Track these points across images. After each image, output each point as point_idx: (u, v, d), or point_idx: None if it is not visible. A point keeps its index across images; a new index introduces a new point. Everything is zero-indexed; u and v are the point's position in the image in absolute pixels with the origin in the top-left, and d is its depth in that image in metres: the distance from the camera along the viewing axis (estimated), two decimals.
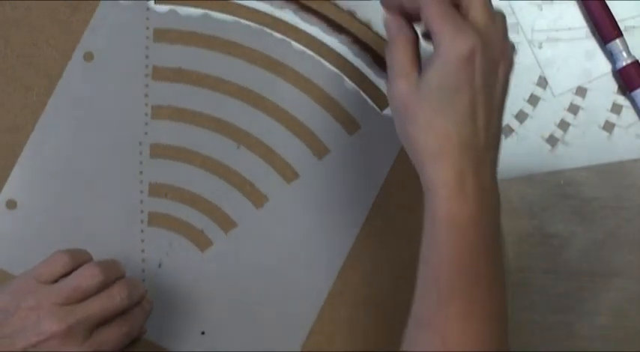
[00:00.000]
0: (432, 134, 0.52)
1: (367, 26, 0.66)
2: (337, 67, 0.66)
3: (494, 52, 0.52)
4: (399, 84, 0.53)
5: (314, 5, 0.66)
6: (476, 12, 0.53)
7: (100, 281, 0.58)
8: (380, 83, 0.66)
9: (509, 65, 0.54)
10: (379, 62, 0.66)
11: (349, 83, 0.66)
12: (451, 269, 0.51)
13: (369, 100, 0.66)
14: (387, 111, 0.66)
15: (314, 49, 0.66)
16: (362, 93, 0.66)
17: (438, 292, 0.51)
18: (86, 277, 0.58)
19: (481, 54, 0.51)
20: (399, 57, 0.53)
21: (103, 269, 0.58)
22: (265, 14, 0.66)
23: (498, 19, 0.54)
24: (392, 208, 0.66)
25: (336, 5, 0.66)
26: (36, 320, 0.56)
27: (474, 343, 0.50)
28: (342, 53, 0.66)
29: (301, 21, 0.66)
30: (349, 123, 0.66)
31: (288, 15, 0.66)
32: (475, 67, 0.51)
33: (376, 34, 0.66)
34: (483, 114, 0.52)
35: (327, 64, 0.66)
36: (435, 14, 0.52)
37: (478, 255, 0.51)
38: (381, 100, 0.66)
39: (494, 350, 0.51)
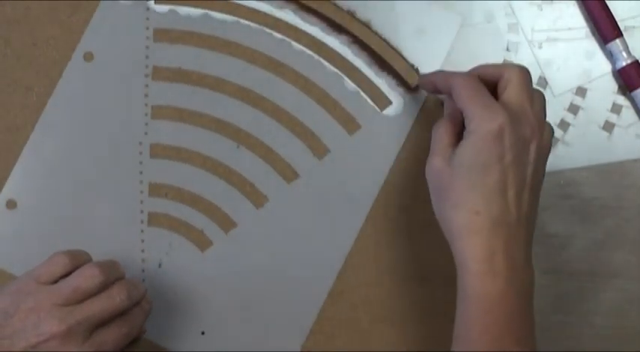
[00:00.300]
0: (463, 210, 0.53)
1: (367, 26, 0.66)
2: (337, 67, 0.66)
3: (526, 131, 0.54)
4: (435, 161, 0.55)
5: (314, 5, 0.65)
6: (512, 90, 0.55)
7: (100, 282, 0.58)
8: (380, 83, 0.66)
9: (544, 145, 0.56)
10: (379, 62, 0.66)
11: (349, 83, 0.66)
12: (481, 345, 0.52)
13: (369, 100, 0.66)
14: (387, 111, 0.66)
15: (314, 49, 0.66)
16: (362, 93, 0.66)
17: None
18: (86, 278, 0.58)
19: (511, 132, 0.53)
20: (441, 136, 0.56)
21: (102, 270, 0.58)
22: (265, 14, 0.66)
23: (536, 99, 0.56)
24: (392, 208, 0.66)
25: (336, 5, 0.66)
26: (36, 321, 0.56)
27: None
28: (342, 53, 0.66)
29: (301, 21, 0.66)
30: (349, 123, 0.66)
31: (288, 15, 0.66)
32: (504, 144, 0.53)
33: (376, 33, 0.66)
34: (514, 192, 0.53)
35: (327, 64, 0.66)
36: (465, 95, 0.54)
37: (506, 334, 0.53)
38: (381, 100, 0.66)
39: None
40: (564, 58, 0.68)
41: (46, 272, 0.58)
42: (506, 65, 0.57)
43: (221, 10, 0.65)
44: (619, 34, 0.66)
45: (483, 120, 0.53)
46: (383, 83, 0.66)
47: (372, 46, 0.66)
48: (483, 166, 0.53)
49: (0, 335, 0.56)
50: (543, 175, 0.57)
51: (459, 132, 0.57)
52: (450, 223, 0.54)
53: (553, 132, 0.58)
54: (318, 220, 0.66)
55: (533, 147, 0.55)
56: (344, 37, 0.66)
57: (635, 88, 0.66)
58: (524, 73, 0.57)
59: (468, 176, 0.53)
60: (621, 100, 0.67)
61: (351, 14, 0.66)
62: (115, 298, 0.58)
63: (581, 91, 0.67)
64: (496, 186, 0.53)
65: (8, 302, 0.57)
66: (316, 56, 0.66)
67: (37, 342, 0.55)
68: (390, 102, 0.66)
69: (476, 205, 0.53)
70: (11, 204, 0.66)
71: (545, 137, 0.56)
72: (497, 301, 0.53)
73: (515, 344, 0.53)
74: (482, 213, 0.53)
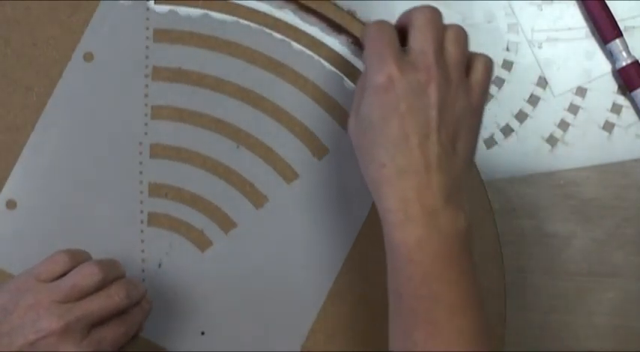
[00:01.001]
0: (372, 165, 0.53)
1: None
2: (337, 67, 0.66)
3: (421, 75, 0.53)
4: (350, 122, 0.56)
5: (314, 5, 0.66)
6: (413, 34, 0.54)
7: (99, 280, 0.58)
8: None
9: (442, 83, 0.53)
10: None
11: (349, 83, 0.66)
12: (409, 294, 0.52)
13: None
14: None
15: (314, 49, 0.66)
16: None
17: (403, 319, 0.52)
18: (85, 275, 0.58)
19: (401, 80, 0.52)
20: (355, 95, 0.56)
21: (101, 268, 0.58)
22: (265, 14, 0.66)
23: (449, 36, 0.54)
24: None
25: (336, 5, 0.66)
26: (34, 317, 0.56)
27: None
28: (342, 53, 0.66)
29: (301, 21, 0.66)
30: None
31: (288, 15, 0.66)
32: (397, 94, 0.52)
33: None
34: (417, 139, 0.52)
35: (326, 64, 0.66)
36: (367, 46, 0.55)
37: (431, 278, 0.52)
38: None
39: None
40: (564, 58, 0.68)
41: (45, 270, 0.58)
42: (414, 8, 0.55)
43: (221, 11, 0.65)
44: (619, 34, 0.67)
45: (373, 73, 0.53)
46: None
47: None
48: (381, 119, 0.53)
49: (0, 331, 0.56)
50: (471, 112, 0.54)
51: None
52: (366, 180, 0.54)
53: (490, 64, 0.56)
54: (318, 220, 0.66)
55: (432, 90, 0.52)
56: (344, 37, 0.66)
57: (635, 88, 0.66)
58: (428, 12, 0.54)
59: (370, 131, 0.53)
60: (621, 100, 0.68)
61: (351, 14, 0.66)
62: (114, 297, 0.58)
63: (581, 91, 0.68)
64: (397, 137, 0.52)
65: (7, 299, 0.57)
66: (316, 56, 0.66)
67: (36, 339, 0.55)
68: None
69: (381, 158, 0.53)
70: (11, 204, 0.66)
71: (454, 74, 0.54)
72: (417, 247, 0.52)
73: (444, 285, 0.52)
74: (387, 165, 0.52)
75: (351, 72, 0.66)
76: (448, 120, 0.53)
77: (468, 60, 0.55)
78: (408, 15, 0.55)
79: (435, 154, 0.52)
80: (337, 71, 0.66)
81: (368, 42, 0.55)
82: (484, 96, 0.55)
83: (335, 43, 0.66)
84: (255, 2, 0.65)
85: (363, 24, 0.66)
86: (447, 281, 0.52)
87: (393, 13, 0.65)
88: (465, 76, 0.54)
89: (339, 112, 0.66)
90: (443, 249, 0.52)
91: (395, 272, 0.53)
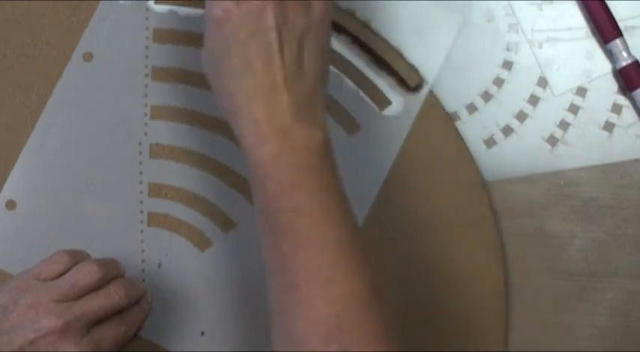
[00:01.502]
0: (223, 96, 0.53)
1: (367, 26, 0.66)
2: (337, 67, 0.66)
3: (254, 2, 0.52)
4: (201, 58, 0.55)
5: None
6: None
7: (98, 279, 0.58)
8: (379, 83, 0.66)
9: (278, 5, 0.53)
10: (379, 62, 0.66)
11: (349, 83, 0.66)
12: (270, 210, 0.52)
13: (369, 101, 0.66)
14: (387, 112, 0.66)
15: None
16: (361, 93, 0.66)
17: (270, 235, 0.53)
18: (84, 274, 0.58)
19: (236, 10, 0.52)
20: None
21: (100, 267, 0.59)
22: None
23: None
24: (392, 208, 0.66)
25: (335, 5, 0.65)
26: (34, 316, 0.56)
27: (311, 271, 0.51)
28: (341, 53, 0.66)
29: None
30: (349, 123, 0.66)
31: None
32: (233, 25, 0.52)
33: (376, 34, 0.66)
34: (260, 63, 0.52)
35: None
36: None
37: (290, 190, 0.52)
38: (381, 100, 0.66)
39: (335, 275, 0.51)
40: (564, 58, 0.68)
41: (45, 270, 0.59)
42: None
43: None
44: (619, 34, 0.67)
45: (210, 8, 0.53)
46: (383, 83, 0.66)
47: (372, 46, 0.66)
48: (223, 51, 0.53)
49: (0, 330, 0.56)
50: (315, 28, 0.54)
51: None
52: (221, 112, 0.54)
53: None
54: None
55: (268, 13, 0.52)
56: (343, 38, 0.66)
57: (635, 88, 0.66)
58: None
59: (216, 64, 0.53)
60: (621, 100, 0.68)
61: (351, 14, 0.66)
62: (113, 295, 0.58)
63: (581, 91, 0.68)
64: (240, 65, 0.53)
65: (7, 299, 0.57)
66: None
67: (35, 337, 0.55)
68: (389, 103, 0.66)
69: (229, 88, 0.53)
70: (11, 205, 0.66)
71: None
72: (273, 164, 0.52)
73: (304, 196, 0.52)
74: (236, 94, 0.53)
75: (352, 72, 0.66)
76: (290, 40, 0.53)
77: None
78: None
79: (281, 75, 0.52)
80: (337, 71, 0.66)
81: None
82: (325, 11, 0.55)
83: (335, 43, 0.65)
84: None
85: (363, 24, 0.66)
86: (306, 192, 0.52)
87: (393, 14, 0.65)
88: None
89: (340, 112, 0.66)
90: (299, 163, 0.52)
91: (257, 193, 0.53)
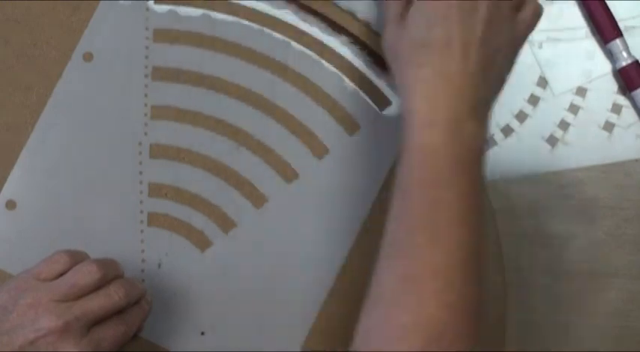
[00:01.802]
0: (410, 65, 0.54)
1: (367, 26, 0.66)
2: (337, 68, 0.66)
3: None
4: (388, 31, 0.57)
5: (314, 5, 0.66)
6: None
7: (98, 278, 0.58)
8: (380, 84, 0.66)
9: (493, 7, 0.55)
10: (379, 62, 0.66)
11: (349, 83, 0.66)
12: (418, 196, 0.52)
13: (369, 101, 0.66)
14: (387, 112, 0.66)
15: (314, 49, 0.66)
16: (362, 93, 0.66)
17: (407, 220, 0.52)
18: (84, 274, 0.58)
19: None
20: (392, 7, 0.57)
21: (100, 267, 0.59)
22: (265, 14, 0.66)
23: None
24: None
25: (336, 5, 0.66)
26: (33, 316, 0.56)
27: (437, 270, 0.51)
28: (342, 53, 0.66)
29: (301, 21, 0.66)
30: (349, 123, 0.66)
31: (288, 15, 0.66)
32: (450, 3, 0.54)
33: (376, 34, 0.66)
34: (460, 46, 0.54)
35: (327, 64, 0.66)
36: None
37: (443, 184, 0.52)
38: (381, 100, 0.66)
39: (454, 280, 0.51)
40: (564, 58, 0.68)
41: (45, 270, 0.59)
42: None
43: (221, 11, 0.66)
44: (619, 34, 0.66)
45: None
46: (383, 83, 0.66)
47: (372, 47, 0.66)
48: (428, 23, 0.54)
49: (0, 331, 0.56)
50: (512, 45, 0.57)
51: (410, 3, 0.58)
52: (398, 85, 0.55)
53: (539, 10, 0.58)
54: (317, 220, 0.66)
55: (483, 7, 0.54)
56: (344, 38, 0.66)
57: (635, 88, 0.66)
58: None
59: (415, 35, 0.54)
60: (621, 100, 0.68)
61: (352, 14, 0.66)
62: (113, 295, 0.59)
63: (581, 91, 0.68)
64: (441, 40, 0.54)
65: (7, 299, 0.57)
66: (316, 56, 0.66)
67: (35, 338, 0.55)
68: (389, 103, 0.66)
69: (420, 59, 0.54)
70: (11, 205, 0.66)
71: (504, 5, 0.56)
72: (435, 152, 0.52)
73: (454, 194, 0.52)
74: (425, 65, 0.54)
75: (352, 72, 0.66)
76: (491, 41, 0.55)
77: (519, 0, 0.57)
78: None
79: (474, 64, 0.54)
80: (337, 71, 0.66)
81: None
82: (526, 36, 0.57)
83: (335, 43, 0.66)
84: (255, 2, 0.66)
85: (363, 24, 0.66)
86: (456, 191, 0.52)
87: None
88: (514, 12, 0.56)
89: (340, 112, 0.66)
90: (459, 159, 0.53)
91: (408, 172, 0.53)
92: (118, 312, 0.60)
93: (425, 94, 0.53)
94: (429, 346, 0.49)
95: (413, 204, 0.52)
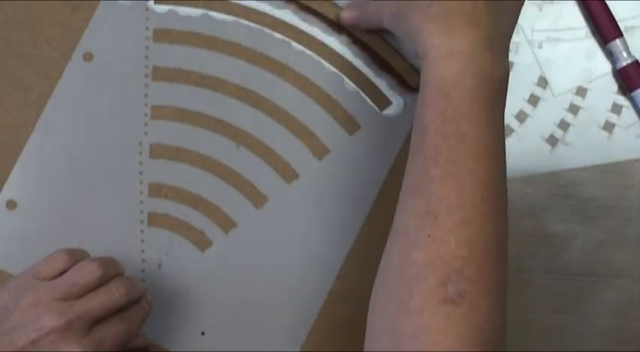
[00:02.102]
0: (416, 9, 0.54)
1: None
2: (337, 67, 0.66)
3: None
4: (382, 4, 0.58)
5: (314, 5, 0.66)
6: None
7: (99, 276, 0.58)
8: (379, 83, 0.66)
9: None
10: (379, 62, 0.66)
11: (349, 83, 0.66)
12: (436, 129, 0.52)
13: (368, 100, 0.66)
14: (387, 112, 0.66)
15: (314, 49, 0.66)
16: (362, 93, 0.66)
17: (424, 155, 0.52)
18: (84, 272, 0.58)
19: None
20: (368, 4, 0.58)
21: (101, 265, 0.59)
22: (265, 14, 0.66)
23: None
24: (392, 208, 0.66)
25: (335, 5, 0.66)
26: (35, 315, 0.56)
27: (456, 204, 0.51)
28: (341, 53, 0.66)
29: (301, 21, 0.66)
30: (349, 123, 0.66)
31: (288, 15, 0.66)
32: None
33: (375, 33, 0.66)
34: None
35: (327, 64, 0.66)
36: None
37: (462, 116, 0.52)
38: (381, 100, 0.66)
39: (472, 215, 0.51)
40: (564, 58, 0.68)
41: (45, 269, 0.59)
42: None
43: (221, 10, 0.66)
44: (619, 34, 0.67)
45: None
46: (383, 83, 0.66)
47: (372, 46, 0.66)
48: None
49: (1, 331, 0.56)
50: None
51: None
52: (408, 21, 0.55)
53: None
54: (318, 220, 0.66)
55: None
56: (344, 37, 0.66)
57: (635, 88, 0.67)
58: None
59: None
60: (621, 100, 0.68)
61: None
62: (114, 293, 0.58)
63: (581, 91, 0.68)
64: None
65: (7, 298, 0.57)
66: (316, 56, 0.66)
67: (37, 337, 0.55)
68: (389, 103, 0.66)
69: None
70: (11, 205, 0.66)
71: None
72: (455, 83, 0.52)
73: (473, 127, 0.52)
74: (434, 4, 0.53)
75: (352, 72, 0.66)
76: None
77: None
78: None
79: (482, 5, 0.53)
80: (337, 71, 0.66)
81: None
82: None
83: (335, 42, 0.66)
84: (255, 2, 0.66)
85: None
86: (476, 123, 0.52)
87: None
88: None
89: (340, 112, 0.66)
90: (480, 91, 0.52)
91: (427, 106, 0.53)
92: (119, 311, 0.59)
93: (439, 29, 0.53)
94: (447, 283, 0.49)
95: (429, 138, 0.52)
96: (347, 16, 0.64)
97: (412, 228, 0.51)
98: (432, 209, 0.51)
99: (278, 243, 0.66)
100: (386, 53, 0.66)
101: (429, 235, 0.50)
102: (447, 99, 0.52)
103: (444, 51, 0.53)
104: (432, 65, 0.53)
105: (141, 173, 0.66)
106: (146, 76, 0.66)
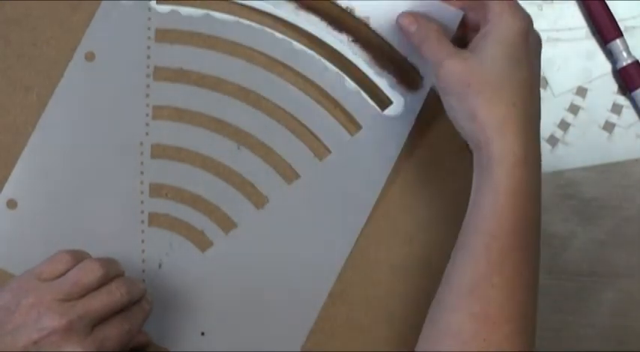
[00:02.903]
0: (500, 103, 0.55)
1: (366, 24, 0.66)
2: (338, 67, 0.66)
3: (537, 33, 0.58)
4: (452, 63, 0.57)
5: (314, 4, 0.66)
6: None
7: (100, 276, 0.58)
8: (380, 83, 0.66)
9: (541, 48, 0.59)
10: (379, 61, 0.66)
11: (350, 83, 0.66)
12: (507, 236, 0.54)
13: (369, 100, 0.66)
14: (388, 111, 0.66)
15: (314, 48, 0.66)
16: (362, 92, 0.66)
17: (488, 260, 0.54)
18: (86, 272, 0.58)
19: (532, 31, 0.57)
20: (441, 40, 0.59)
21: (102, 265, 0.59)
22: (266, 14, 0.66)
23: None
24: (393, 209, 0.66)
25: (335, 4, 0.65)
26: (36, 316, 0.56)
27: (514, 311, 0.53)
28: (342, 52, 0.66)
29: (302, 20, 0.66)
30: (350, 123, 0.66)
31: (289, 14, 0.66)
32: (529, 41, 0.56)
33: (375, 32, 0.65)
34: (537, 87, 0.57)
35: (327, 63, 0.66)
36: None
37: (531, 228, 0.54)
38: (382, 100, 0.66)
39: (529, 319, 0.54)
40: (564, 58, 0.68)
41: (47, 270, 0.59)
42: None
43: (222, 10, 0.65)
44: (619, 34, 0.67)
45: (514, 17, 0.56)
46: (383, 82, 0.66)
47: (373, 45, 0.66)
48: (517, 61, 0.56)
49: (2, 332, 0.56)
50: None
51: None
52: (482, 119, 0.55)
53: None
54: (318, 221, 0.66)
55: (540, 49, 0.58)
56: (344, 36, 0.66)
57: (635, 88, 0.67)
58: None
59: (503, 70, 0.55)
60: (621, 100, 0.68)
61: (350, 12, 0.66)
62: (115, 293, 0.59)
63: (581, 91, 0.68)
64: (527, 81, 0.56)
65: (9, 299, 0.57)
66: (317, 56, 0.66)
67: (39, 337, 0.55)
68: (390, 102, 0.66)
69: (512, 97, 0.55)
70: (12, 204, 0.66)
71: (540, 41, 0.60)
72: (530, 193, 0.54)
73: (535, 236, 0.55)
74: (518, 105, 0.55)
75: (352, 71, 0.66)
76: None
77: None
78: None
79: (539, 105, 0.57)
80: (338, 71, 0.66)
81: None
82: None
83: (335, 41, 0.66)
84: (256, 2, 0.66)
85: (362, 22, 0.65)
86: (537, 233, 0.55)
87: (391, 11, 0.64)
88: None
89: (341, 112, 0.66)
90: (539, 198, 0.56)
91: (495, 213, 0.54)
92: (120, 311, 0.59)
93: (519, 134, 0.54)
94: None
95: (497, 245, 0.54)
96: (406, 23, 0.62)
97: (467, 331, 0.53)
98: (490, 313, 0.53)
99: (278, 244, 0.66)
100: (387, 52, 0.66)
101: (484, 339, 0.53)
102: (521, 210, 0.54)
103: (521, 159, 0.54)
104: (510, 171, 0.54)
105: (142, 173, 0.66)
106: (148, 75, 0.66)
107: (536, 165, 0.55)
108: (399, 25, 0.62)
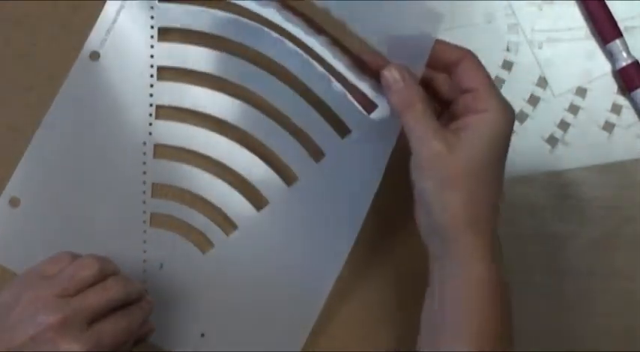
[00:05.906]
0: (475, 203, 0.56)
1: (343, 27, 0.62)
2: (324, 69, 0.65)
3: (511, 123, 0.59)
4: (435, 145, 0.56)
5: (293, 4, 0.64)
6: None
7: (97, 270, 0.59)
8: (362, 86, 0.64)
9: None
10: (359, 64, 0.64)
11: (336, 85, 0.65)
12: (479, 332, 0.56)
13: (355, 103, 0.64)
14: (375, 115, 0.64)
15: (303, 49, 0.64)
16: (348, 96, 0.65)
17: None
18: (82, 266, 0.59)
19: (511, 123, 0.58)
20: (427, 113, 0.58)
21: (97, 260, 0.60)
22: (257, 14, 0.65)
23: None
24: (392, 209, 0.67)
25: (312, 5, 0.62)
26: (33, 311, 0.56)
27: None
28: (323, 55, 0.64)
29: (284, 20, 0.64)
30: (340, 126, 0.65)
31: (272, 14, 0.64)
32: (507, 136, 0.58)
33: (351, 34, 0.62)
34: (503, 179, 0.58)
35: (316, 64, 0.65)
36: (485, 85, 0.57)
37: (502, 319, 0.56)
38: (367, 104, 0.64)
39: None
40: (564, 58, 0.69)
41: (49, 268, 0.60)
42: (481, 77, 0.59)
43: (226, 10, 0.65)
44: (619, 34, 0.68)
45: (503, 112, 0.57)
46: (366, 86, 0.64)
47: (350, 48, 0.64)
48: (499, 160, 0.57)
49: (2, 328, 0.57)
50: None
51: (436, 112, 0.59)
52: (454, 213, 0.56)
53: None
54: (318, 222, 0.67)
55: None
56: (323, 38, 0.64)
57: (635, 88, 0.68)
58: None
59: (485, 171, 0.57)
60: (621, 100, 0.69)
61: (327, 13, 0.62)
62: (111, 289, 0.59)
63: (581, 91, 0.69)
64: (502, 178, 0.57)
65: (10, 296, 0.58)
66: (305, 56, 0.65)
67: (35, 333, 0.56)
68: (375, 106, 0.64)
69: (490, 199, 0.57)
70: (14, 202, 0.67)
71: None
72: (498, 285, 0.56)
73: (508, 329, 0.57)
74: (494, 206, 0.57)
75: (336, 74, 0.64)
76: None
77: None
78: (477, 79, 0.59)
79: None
80: (324, 73, 0.65)
81: (480, 78, 0.58)
82: None
83: (315, 43, 0.64)
84: (243, 1, 0.65)
85: (338, 23, 0.62)
86: (509, 325, 0.57)
87: (368, 12, 0.62)
88: None
89: (330, 115, 0.65)
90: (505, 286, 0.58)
91: (470, 307, 0.56)
92: (118, 308, 0.60)
93: (492, 232, 0.57)
94: None
95: (476, 343, 0.56)
96: (391, 79, 0.60)
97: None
98: None
99: (279, 245, 0.67)
100: (365, 54, 0.63)
101: None
102: (495, 302, 0.56)
103: (491, 255, 0.56)
104: (481, 267, 0.56)
105: (144, 173, 0.67)
106: (151, 75, 0.66)
107: (501, 258, 0.57)
108: (382, 78, 0.60)
